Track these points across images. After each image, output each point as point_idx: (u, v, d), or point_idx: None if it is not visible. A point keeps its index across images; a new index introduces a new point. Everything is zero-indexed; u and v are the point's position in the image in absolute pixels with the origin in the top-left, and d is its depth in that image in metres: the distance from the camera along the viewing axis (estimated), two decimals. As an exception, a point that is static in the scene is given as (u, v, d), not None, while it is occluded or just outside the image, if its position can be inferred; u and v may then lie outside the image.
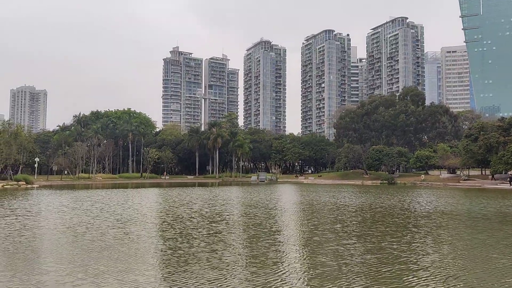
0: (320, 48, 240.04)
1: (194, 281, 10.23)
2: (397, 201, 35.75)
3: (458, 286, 9.92)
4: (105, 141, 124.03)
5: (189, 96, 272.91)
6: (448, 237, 16.87)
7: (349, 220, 22.56)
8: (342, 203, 33.74)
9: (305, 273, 11.12)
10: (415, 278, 10.52)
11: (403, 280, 10.35)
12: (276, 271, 11.17)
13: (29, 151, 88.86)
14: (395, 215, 24.82)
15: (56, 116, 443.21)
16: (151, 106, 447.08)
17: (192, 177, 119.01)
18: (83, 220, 22.13)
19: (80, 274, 10.92)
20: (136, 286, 9.79)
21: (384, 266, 11.79)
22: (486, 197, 41.23)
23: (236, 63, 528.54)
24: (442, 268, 11.57)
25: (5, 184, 69.12)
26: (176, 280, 10.42)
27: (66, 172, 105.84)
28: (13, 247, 14.66)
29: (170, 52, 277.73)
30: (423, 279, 10.49)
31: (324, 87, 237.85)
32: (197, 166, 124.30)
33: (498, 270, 11.43)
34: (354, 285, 9.94)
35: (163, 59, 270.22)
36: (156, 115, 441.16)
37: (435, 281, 10.27)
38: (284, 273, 11.07)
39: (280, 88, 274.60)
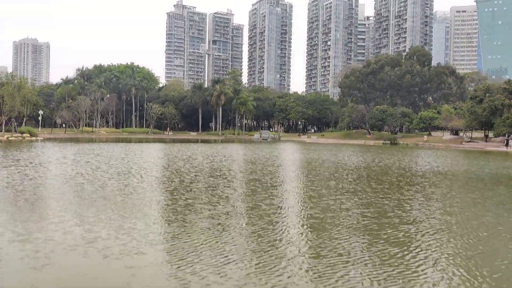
0: (328, 4, 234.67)
1: (189, 229, 10.67)
2: (395, 161, 36.13)
3: (442, 239, 10.32)
4: (108, 95, 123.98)
5: (193, 52, 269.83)
6: (439, 195, 17.25)
7: (345, 177, 22.97)
8: (340, 162, 34.15)
9: (294, 224, 11.54)
10: (400, 232, 10.92)
11: (388, 233, 10.75)
12: (268, 222, 11.60)
13: (32, 104, 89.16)
14: (391, 174, 25.22)
15: (59, 70, 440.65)
16: (154, 62, 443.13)
17: (195, 133, 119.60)
18: (85, 171, 22.64)
19: (81, 221, 11.37)
20: (134, 232, 10.23)
21: (370, 220, 12.20)
22: (485, 159, 41.56)
23: (241, 19, 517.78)
24: (428, 223, 11.97)
25: (9, 136, 69.83)
26: (172, 227, 10.86)
27: (63, 125, 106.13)
28: (16, 195, 15.15)
29: (173, 5, 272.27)
30: (408, 232, 10.89)
31: (330, 45, 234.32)
32: (200, 123, 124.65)
33: (482, 225, 11.82)
34: (337, 236, 10.36)
35: (166, 13, 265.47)
36: (159, 70, 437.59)
37: (420, 235, 10.67)
38: (276, 223, 11.50)
39: (285, 45, 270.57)
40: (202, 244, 9.44)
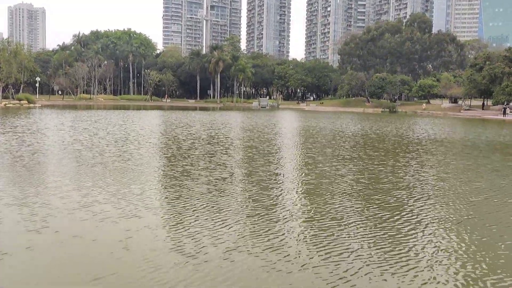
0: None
1: (186, 194, 10.82)
2: (393, 129, 36.22)
3: (434, 204, 10.49)
4: (105, 62, 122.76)
5: (190, 17, 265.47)
6: (434, 162, 17.41)
7: (341, 145, 23.09)
8: (338, 129, 34.23)
9: (289, 190, 11.70)
10: (393, 197, 11.09)
11: (380, 199, 10.92)
12: (264, 188, 11.75)
13: (29, 70, 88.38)
14: (387, 141, 25.35)
15: (55, 37, 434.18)
16: (152, 28, 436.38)
17: (193, 101, 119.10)
18: (83, 138, 22.70)
19: (78, 186, 11.51)
20: (131, 197, 10.38)
21: (364, 186, 12.36)
22: (482, 127, 41.67)
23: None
24: (420, 189, 12.15)
25: (7, 103, 69.54)
26: (169, 192, 11.02)
27: (60, 92, 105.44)
28: (13, 161, 15.25)
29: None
30: (400, 198, 11.06)
31: (330, 11, 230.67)
32: (198, 90, 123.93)
33: (474, 191, 11.99)
34: (330, 201, 10.53)
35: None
36: (156, 37, 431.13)
37: (413, 200, 10.84)
38: (271, 189, 11.65)
39: (284, 11, 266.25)
40: (198, 208, 9.60)
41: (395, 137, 28.34)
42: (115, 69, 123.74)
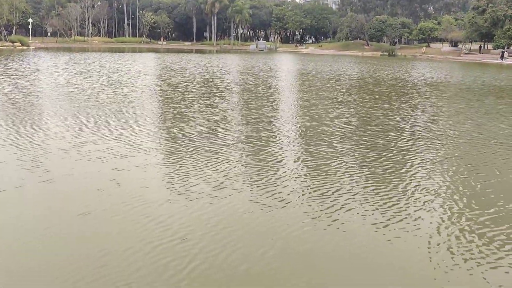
0: None
1: (179, 135, 10.98)
2: (390, 72, 35.96)
3: (420, 145, 10.70)
4: (99, 2, 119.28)
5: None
6: (426, 105, 17.50)
7: (337, 88, 23.06)
8: (335, 73, 33.99)
9: (281, 132, 11.87)
10: (383, 139, 11.28)
11: (369, 140, 11.11)
12: (255, 130, 11.90)
13: (21, 11, 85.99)
14: (382, 85, 25.29)
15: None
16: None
17: (189, 43, 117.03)
18: (77, 80, 22.57)
19: (70, 127, 11.64)
20: (122, 138, 10.53)
21: (354, 128, 12.53)
22: (480, 71, 41.38)
23: None
24: (410, 130, 12.32)
25: (0, 45, 68.28)
26: (162, 133, 11.18)
27: (51, 34, 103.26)
28: (5, 103, 15.28)
29: None
30: (389, 139, 11.25)
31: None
32: (194, 33, 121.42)
33: (462, 132, 12.19)
34: (320, 142, 10.72)
35: None
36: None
37: (401, 141, 11.05)
38: (262, 130, 11.81)
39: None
40: (189, 149, 9.78)
41: (391, 80, 28.22)
42: (109, 11, 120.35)
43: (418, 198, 7.29)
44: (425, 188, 7.80)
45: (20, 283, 4.73)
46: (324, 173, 8.40)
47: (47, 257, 5.26)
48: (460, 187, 7.88)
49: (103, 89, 19.27)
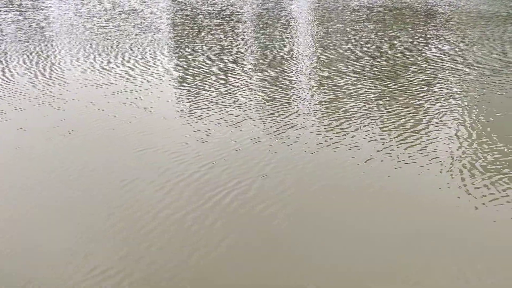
0: None
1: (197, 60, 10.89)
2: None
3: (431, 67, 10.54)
4: None
5: None
6: (447, 35, 17.00)
7: (346, 19, 22.37)
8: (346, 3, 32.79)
9: (298, 63, 11.71)
10: (401, 71, 11.10)
11: (382, 69, 10.94)
12: (274, 55, 11.75)
13: None
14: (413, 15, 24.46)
15: None
16: None
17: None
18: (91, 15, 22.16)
19: (89, 66, 11.59)
20: (142, 79, 10.49)
21: (378, 57, 12.30)
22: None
23: None
24: (419, 55, 12.08)
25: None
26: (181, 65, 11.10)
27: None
28: (24, 42, 15.14)
29: None
30: (408, 72, 11.08)
31: None
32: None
33: (471, 57, 11.95)
34: (336, 71, 10.59)
35: None
36: None
37: (412, 66, 10.88)
38: (281, 59, 11.66)
39: None
40: (207, 86, 9.73)
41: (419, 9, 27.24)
42: None
43: (435, 123, 7.27)
44: (445, 112, 7.76)
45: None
46: (344, 103, 8.36)
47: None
48: (477, 111, 7.82)
49: (120, 25, 18.92)
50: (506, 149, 6.44)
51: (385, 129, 7.08)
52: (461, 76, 10.50)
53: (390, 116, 7.64)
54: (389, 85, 9.60)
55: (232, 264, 3.87)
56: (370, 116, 7.66)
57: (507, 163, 6.00)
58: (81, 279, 3.68)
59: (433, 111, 7.95)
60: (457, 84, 9.77)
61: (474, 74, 10.72)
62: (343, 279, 3.75)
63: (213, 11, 24.75)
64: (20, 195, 5.00)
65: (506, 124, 7.45)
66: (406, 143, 6.54)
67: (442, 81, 10.06)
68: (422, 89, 9.27)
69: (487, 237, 4.32)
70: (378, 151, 6.26)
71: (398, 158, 6.12)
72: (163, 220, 4.59)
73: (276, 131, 6.98)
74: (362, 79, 10.07)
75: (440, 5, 30.70)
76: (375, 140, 6.64)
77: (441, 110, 8.05)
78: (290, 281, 3.71)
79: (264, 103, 8.36)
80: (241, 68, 11.07)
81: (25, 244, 4.11)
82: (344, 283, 3.71)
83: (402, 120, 7.52)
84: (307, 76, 10.37)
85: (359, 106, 8.21)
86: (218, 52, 13.00)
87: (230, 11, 24.90)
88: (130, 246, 4.17)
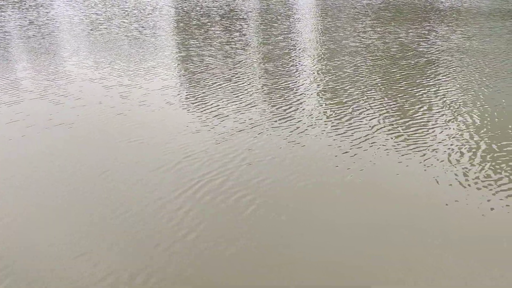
0: None
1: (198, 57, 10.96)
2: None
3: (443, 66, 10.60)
4: None
5: None
6: (443, 31, 17.08)
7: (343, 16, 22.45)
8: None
9: (302, 57, 11.77)
10: (404, 59, 11.16)
11: (377, 64, 11.01)
12: (279, 48, 11.81)
13: None
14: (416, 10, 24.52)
15: None
16: None
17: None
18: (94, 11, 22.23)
19: (91, 62, 11.65)
20: (145, 71, 10.56)
21: (370, 53, 12.37)
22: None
23: None
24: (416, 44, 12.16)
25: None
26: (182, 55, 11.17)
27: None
28: (29, 39, 15.20)
29: None
30: (410, 60, 11.15)
31: None
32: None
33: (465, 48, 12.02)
34: (346, 63, 10.64)
35: None
36: None
37: (432, 68, 10.95)
38: (283, 55, 11.72)
39: None
40: (209, 76, 9.79)
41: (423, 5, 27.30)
42: None
43: (441, 109, 7.33)
44: (452, 100, 7.83)
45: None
46: (348, 95, 8.42)
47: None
48: (483, 100, 7.89)
49: (120, 22, 18.97)
50: (492, 141, 6.49)
51: (377, 122, 7.11)
52: (456, 71, 10.56)
53: (383, 110, 7.69)
54: (382, 79, 9.67)
55: (203, 255, 3.74)
56: (363, 110, 7.72)
57: (491, 154, 6.02)
58: (79, 278, 3.63)
59: (424, 106, 8.01)
60: (450, 78, 9.82)
61: (468, 68, 10.79)
62: (327, 273, 3.63)
63: (213, 8, 24.80)
64: (17, 192, 4.88)
65: (498, 117, 7.51)
66: (401, 136, 6.60)
67: (436, 75, 10.12)
68: (414, 83, 9.32)
69: (470, 228, 4.22)
70: (369, 143, 6.30)
71: (387, 150, 6.14)
72: (162, 219, 4.51)
73: (271, 121, 7.06)
74: (356, 74, 10.13)
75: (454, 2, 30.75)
76: (366, 132, 6.69)
77: (432, 104, 8.11)
78: (258, 273, 3.67)
79: (259, 96, 8.42)
80: (239, 63, 11.12)
81: (22, 242, 4.04)
82: (327, 276, 3.57)
83: (396, 114, 7.58)
84: (302, 71, 10.42)
85: (354, 99, 8.27)
86: (217, 48, 13.06)
87: (230, 8, 24.96)
88: (130, 244, 4.06)
